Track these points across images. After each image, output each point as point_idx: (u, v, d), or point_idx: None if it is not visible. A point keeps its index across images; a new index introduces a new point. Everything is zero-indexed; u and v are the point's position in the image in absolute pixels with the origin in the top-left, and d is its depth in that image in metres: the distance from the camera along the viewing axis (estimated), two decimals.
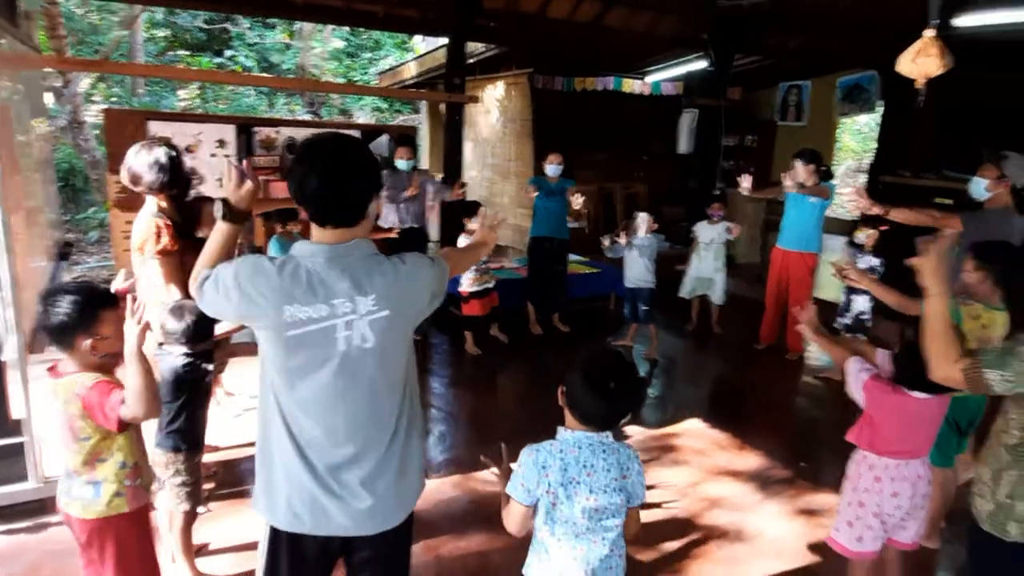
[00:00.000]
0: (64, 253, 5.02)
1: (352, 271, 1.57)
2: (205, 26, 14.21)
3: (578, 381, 1.73)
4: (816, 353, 5.74)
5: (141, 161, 2.84)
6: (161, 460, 2.50)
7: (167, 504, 2.56)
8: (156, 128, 5.46)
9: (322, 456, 1.65)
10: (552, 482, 1.70)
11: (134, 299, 1.89)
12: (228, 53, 14.28)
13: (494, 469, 1.98)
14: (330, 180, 1.56)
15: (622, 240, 5.28)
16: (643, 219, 5.38)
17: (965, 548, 2.06)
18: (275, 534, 1.72)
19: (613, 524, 1.75)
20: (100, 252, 9.33)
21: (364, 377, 1.62)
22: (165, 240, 2.85)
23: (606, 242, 5.34)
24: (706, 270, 6.17)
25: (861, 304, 5.08)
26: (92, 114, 10.67)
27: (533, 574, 1.81)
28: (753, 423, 4.48)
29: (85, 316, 1.86)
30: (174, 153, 2.94)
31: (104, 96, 12.45)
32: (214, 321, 2.48)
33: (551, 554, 1.76)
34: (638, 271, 5.39)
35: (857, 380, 2.30)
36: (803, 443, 4.19)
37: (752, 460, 3.92)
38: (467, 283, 5.33)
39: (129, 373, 1.85)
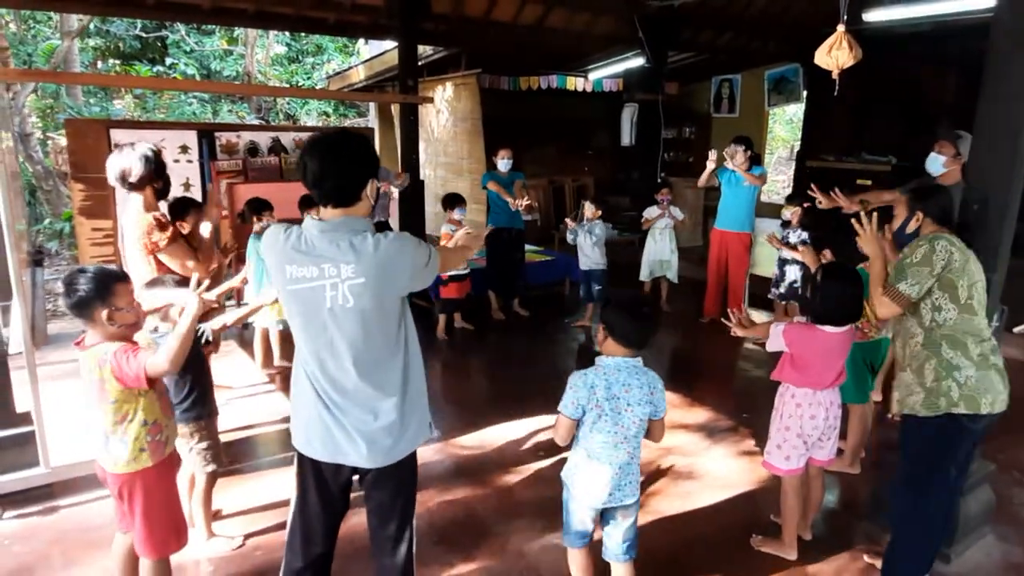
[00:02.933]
0: (37, 260, 5.13)
1: (339, 241, 1.88)
2: (141, 34, 14.04)
3: (619, 313, 2.24)
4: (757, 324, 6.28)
5: (129, 157, 3.04)
6: (186, 431, 2.74)
7: (192, 468, 2.83)
8: (119, 136, 5.58)
9: (328, 393, 1.97)
10: (599, 398, 2.18)
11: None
12: (168, 61, 14.16)
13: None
14: (327, 167, 1.89)
15: (570, 225, 5.81)
16: (587, 207, 5.87)
17: (906, 442, 2.60)
18: (300, 457, 2.08)
19: (638, 436, 2.26)
20: (56, 264, 9.26)
21: (348, 332, 1.91)
22: (170, 228, 3.11)
23: (569, 236, 5.85)
24: (663, 252, 6.65)
25: (792, 275, 5.61)
26: (33, 127, 10.54)
27: (574, 475, 2.31)
28: (701, 384, 4.97)
29: (102, 289, 2.13)
30: (157, 149, 3.17)
31: (36, 108, 12.20)
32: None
33: (591, 459, 2.24)
34: (590, 254, 5.87)
35: (775, 333, 2.77)
36: (745, 398, 4.67)
37: (701, 414, 4.39)
38: None
39: (177, 338, 2.15)
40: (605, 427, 2.20)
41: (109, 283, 2.16)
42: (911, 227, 2.65)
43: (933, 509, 2.56)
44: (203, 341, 2.76)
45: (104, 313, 2.13)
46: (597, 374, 2.22)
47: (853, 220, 2.74)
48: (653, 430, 2.32)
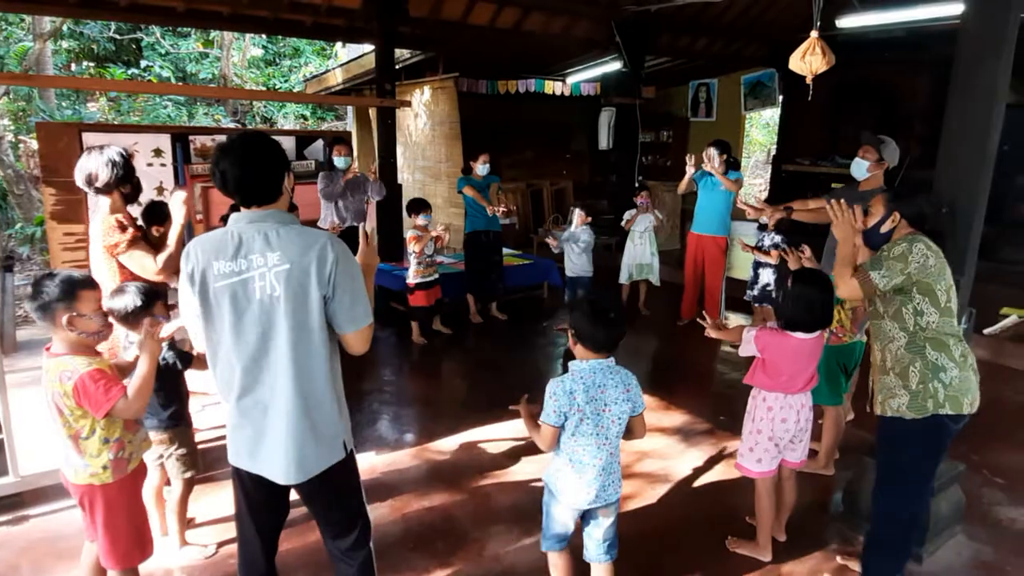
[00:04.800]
0: (8, 266, 5.04)
1: (267, 231, 1.89)
2: (115, 36, 13.84)
3: (585, 318, 2.23)
4: (731, 326, 6.34)
5: (95, 160, 2.99)
6: (163, 438, 2.73)
7: (169, 475, 2.79)
8: (91, 139, 5.50)
9: (253, 400, 1.94)
10: (580, 402, 2.20)
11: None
12: (143, 64, 13.98)
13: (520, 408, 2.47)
14: (246, 170, 1.89)
15: (555, 241, 5.77)
16: (577, 213, 5.86)
17: (889, 445, 2.62)
18: (234, 469, 2.08)
19: (619, 436, 2.29)
20: (28, 269, 9.10)
21: (278, 325, 1.88)
22: (131, 230, 3.01)
23: (550, 241, 5.82)
24: (643, 256, 6.67)
25: (766, 277, 5.66)
26: (4, 129, 10.35)
27: (558, 478, 2.32)
28: (678, 387, 5.00)
29: (66, 293, 2.11)
30: (126, 153, 3.12)
31: (8, 111, 11.96)
32: (154, 301, 2.64)
33: (574, 462, 2.26)
34: (577, 262, 5.86)
35: (747, 339, 2.81)
36: (721, 400, 4.70)
37: (677, 417, 4.41)
38: (413, 275, 5.65)
39: (140, 380, 2.15)
40: (587, 430, 2.22)
41: (74, 288, 2.13)
42: (886, 227, 2.64)
43: (915, 509, 2.61)
44: (178, 367, 2.72)
45: (65, 318, 2.09)
46: (574, 379, 2.23)
47: (826, 205, 2.75)
48: (634, 427, 2.33)
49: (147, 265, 3.01)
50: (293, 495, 2.13)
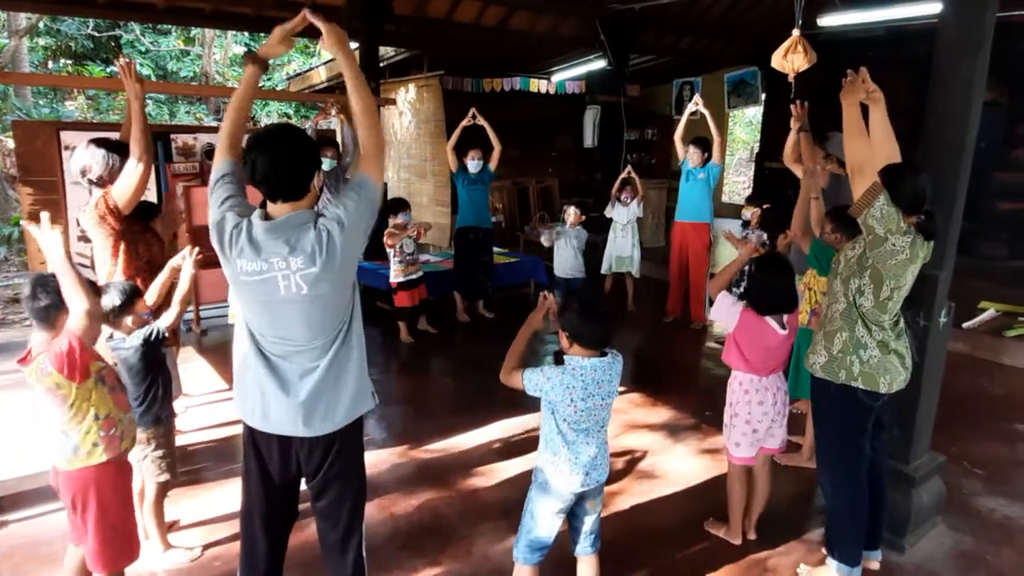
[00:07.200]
0: None
1: (287, 236, 1.89)
2: (93, 34, 13.65)
3: (576, 316, 2.22)
4: (718, 325, 6.39)
5: (91, 153, 3.02)
6: (142, 436, 2.68)
7: (143, 476, 2.75)
8: (69, 138, 5.43)
9: (273, 356, 2.00)
10: (575, 398, 2.18)
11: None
12: (122, 61, 13.78)
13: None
14: (277, 162, 1.89)
15: (548, 231, 5.76)
16: (571, 212, 5.81)
17: (815, 405, 2.78)
18: (247, 429, 2.11)
19: (607, 419, 2.33)
20: (5, 271, 8.97)
21: (306, 311, 1.94)
22: (105, 191, 3.01)
23: (543, 239, 5.78)
24: (624, 249, 6.71)
25: None
26: None
27: (551, 466, 2.29)
28: (664, 383, 5.02)
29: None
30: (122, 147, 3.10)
31: None
32: (137, 298, 2.65)
33: (569, 451, 2.25)
34: (569, 262, 5.82)
35: (725, 305, 2.84)
36: (708, 396, 4.71)
37: (664, 413, 4.44)
38: (395, 274, 5.62)
39: (61, 282, 2.07)
40: (582, 424, 2.23)
41: None
42: None
43: (852, 481, 2.65)
44: (160, 337, 2.68)
45: (66, 319, 2.07)
46: (574, 376, 2.20)
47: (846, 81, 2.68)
48: None
49: (130, 173, 2.94)
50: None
